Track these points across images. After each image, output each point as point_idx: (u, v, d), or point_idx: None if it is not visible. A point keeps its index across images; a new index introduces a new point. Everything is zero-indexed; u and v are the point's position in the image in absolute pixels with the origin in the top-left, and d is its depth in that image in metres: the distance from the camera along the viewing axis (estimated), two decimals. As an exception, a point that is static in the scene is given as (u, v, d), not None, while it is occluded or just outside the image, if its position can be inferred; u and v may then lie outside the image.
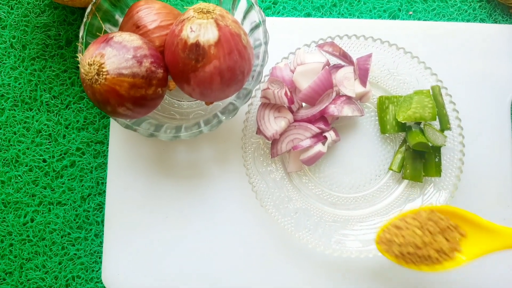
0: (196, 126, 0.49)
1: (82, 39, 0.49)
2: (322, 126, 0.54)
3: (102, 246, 0.58)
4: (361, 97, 0.56)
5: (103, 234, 0.58)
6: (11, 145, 0.61)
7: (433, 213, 0.46)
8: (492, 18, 0.61)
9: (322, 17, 0.61)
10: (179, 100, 0.57)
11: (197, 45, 0.43)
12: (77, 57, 0.43)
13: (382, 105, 0.56)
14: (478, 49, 0.59)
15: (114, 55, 0.43)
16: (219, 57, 0.43)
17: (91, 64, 0.43)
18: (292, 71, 0.54)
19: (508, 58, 0.59)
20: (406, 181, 0.56)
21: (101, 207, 0.60)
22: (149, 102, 0.45)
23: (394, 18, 0.61)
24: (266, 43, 0.48)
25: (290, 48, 0.57)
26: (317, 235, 0.54)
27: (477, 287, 0.56)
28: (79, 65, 0.44)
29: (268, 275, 0.57)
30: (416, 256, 0.46)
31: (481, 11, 0.61)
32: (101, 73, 0.42)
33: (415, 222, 0.46)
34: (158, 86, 0.45)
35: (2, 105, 0.61)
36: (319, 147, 0.54)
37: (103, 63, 0.42)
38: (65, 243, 0.59)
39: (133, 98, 0.44)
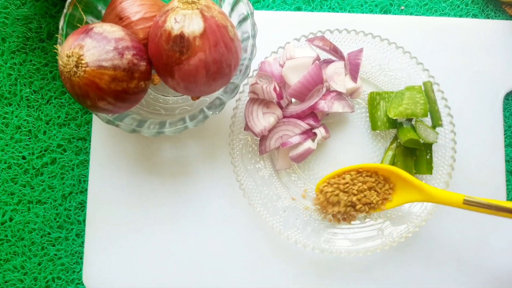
0: (181, 122, 0.47)
1: (62, 31, 0.47)
2: (312, 122, 0.53)
3: (83, 246, 0.56)
4: (352, 93, 0.54)
5: (84, 234, 0.56)
6: (-12, 141, 0.58)
7: (360, 173, 0.52)
8: (484, 14, 0.60)
9: (313, 11, 0.59)
10: (164, 95, 0.55)
11: (181, 36, 0.41)
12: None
13: (373, 101, 0.55)
14: (471, 45, 0.58)
15: (93, 47, 0.41)
16: (205, 49, 0.41)
17: (69, 56, 0.41)
18: (282, 66, 0.53)
19: (501, 54, 0.58)
20: (397, 179, 0.55)
21: (82, 206, 0.58)
22: (131, 96, 0.43)
23: (385, 12, 0.60)
24: (254, 36, 0.47)
25: (279, 42, 0.55)
26: (305, 234, 0.53)
27: (470, 283, 0.55)
28: (57, 57, 0.42)
29: (257, 275, 0.55)
30: (348, 215, 0.52)
31: (474, 7, 0.60)
32: (80, 65, 0.40)
33: (339, 185, 0.52)
34: (140, 79, 0.43)
35: (-21, 99, 0.59)
36: (309, 144, 0.52)
37: (82, 55, 0.40)
38: (45, 243, 0.57)
39: (114, 92, 0.42)
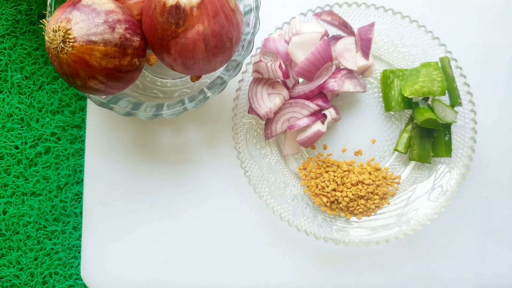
0: (179, 104, 0.44)
1: (50, 7, 0.44)
2: (321, 103, 0.49)
3: (81, 240, 0.53)
4: (364, 71, 0.51)
5: (81, 226, 0.53)
6: (-21, 130, 0.55)
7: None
8: (504, -16, 0.56)
9: (319, -14, 0.55)
10: (162, 78, 0.52)
11: (177, 7, 0.37)
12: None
13: (387, 79, 0.51)
14: (491, 18, 0.54)
15: (82, 20, 0.37)
16: (203, 21, 0.38)
17: (56, 31, 0.37)
18: (287, 42, 0.49)
19: (523, 27, 0.54)
20: (413, 163, 0.52)
21: (79, 197, 0.54)
22: (124, 75, 0.40)
23: (397, -15, 0.56)
24: (257, 8, 0.43)
25: (284, 18, 0.51)
26: (316, 223, 0.49)
27: (493, 275, 0.52)
28: (43, 32, 0.39)
29: (264, 268, 0.52)
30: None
31: (493, -23, 0.56)
32: (68, 40, 0.37)
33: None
34: (134, 56, 0.40)
35: (-32, 86, 0.56)
36: (318, 126, 0.48)
37: (70, 29, 0.37)
38: (40, 237, 0.54)
39: (105, 70, 0.38)
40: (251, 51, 0.44)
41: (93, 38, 0.37)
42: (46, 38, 0.38)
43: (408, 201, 0.50)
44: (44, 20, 0.39)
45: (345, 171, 0.50)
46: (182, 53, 0.39)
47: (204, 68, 0.41)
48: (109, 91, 0.41)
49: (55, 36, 0.37)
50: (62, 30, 0.37)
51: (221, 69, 0.45)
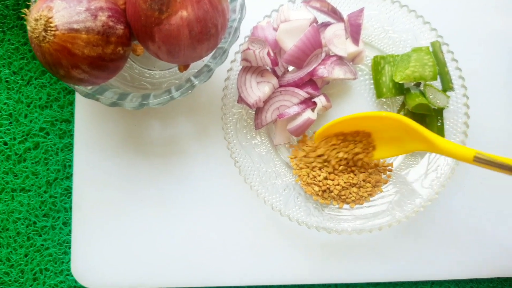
0: (166, 93, 0.43)
1: (34, -2, 0.43)
2: (311, 90, 0.48)
3: (71, 235, 0.52)
4: (354, 58, 0.50)
5: (72, 222, 0.52)
6: (-34, 127, 0.55)
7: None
8: (495, -32, 0.55)
9: (308, -26, 0.55)
10: (150, 69, 0.51)
11: (160, -8, 0.36)
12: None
13: (377, 66, 0.50)
14: (483, 1, 0.53)
15: (63, 8, 0.37)
16: (186, 7, 0.37)
17: (37, 20, 0.36)
18: (276, 30, 0.48)
19: (515, 11, 0.53)
20: (406, 150, 0.51)
21: (69, 192, 0.54)
22: (108, 64, 0.39)
23: (387, -28, 0.55)
24: (242, -6, 0.42)
25: (273, 5, 0.51)
26: (308, 213, 0.49)
27: (487, 258, 0.51)
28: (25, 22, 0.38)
29: (257, 259, 0.51)
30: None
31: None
32: (49, 28, 0.36)
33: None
34: (118, 44, 0.39)
35: (-45, 83, 0.55)
36: (308, 114, 0.48)
37: (51, 17, 0.36)
38: (30, 233, 0.53)
39: (89, 58, 0.38)
40: (237, 38, 0.43)
41: (75, 26, 0.37)
42: (28, 27, 0.37)
43: (400, 188, 0.49)
44: (26, 9, 0.38)
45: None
46: (166, 40, 0.38)
47: (190, 56, 0.40)
48: (93, 80, 0.40)
49: (37, 25, 0.37)
50: (44, 19, 0.36)
51: (208, 57, 0.44)
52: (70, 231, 0.53)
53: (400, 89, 0.50)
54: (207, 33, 0.39)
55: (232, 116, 0.50)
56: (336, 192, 0.48)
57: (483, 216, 0.52)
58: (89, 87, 0.43)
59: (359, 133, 0.48)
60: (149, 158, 0.52)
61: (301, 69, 0.49)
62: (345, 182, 0.48)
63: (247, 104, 0.48)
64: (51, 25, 0.36)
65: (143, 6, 0.37)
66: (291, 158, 0.50)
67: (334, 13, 0.49)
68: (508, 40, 0.53)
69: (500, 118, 0.52)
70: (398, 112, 0.51)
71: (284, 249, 0.51)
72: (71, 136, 0.54)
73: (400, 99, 0.51)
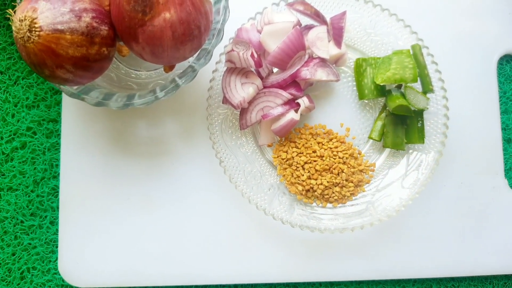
0: (151, 93, 0.44)
1: (20, -1, 0.43)
2: (294, 91, 0.49)
3: (58, 234, 0.53)
4: (337, 60, 0.51)
5: (59, 221, 0.53)
6: (-47, 126, 0.55)
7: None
8: (475, -27, 0.57)
9: (293, -23, 0.56)
10: (136, 70, 0.52)
11: (143, -6, 0.37)
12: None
13: (359, 68, 0.51)
14: (463, 5, 0.55)
15: (48, 9, 0.37)
16: (169, 8, 0.38)
17: (22, 20, 0.37)
18: (260, 32, 0.49)
19: (494, 16, 0.55)
20: (388, 150, 0.52)
21: (56, 191, 0.54)
22: (93, 64, 0.40)
23: (370, -24, 0.56)
24: (226, -3, 0.43)
25: (257, 8, 0.51)
26: (292, 212, 0.50)
27: (469, 255, 0.52)
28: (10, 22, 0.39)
29: (241, 257, 0.52)
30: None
31: (464, -34, 0.57)
32: (34, 29, 0.37)
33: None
34: (102, 45, 0.40)
35: None
36: (292, 115, 0.49)
37: (36, 18, 0.37)
38: (18, 232, 0.54)
39: (73, 59, 0.38)
40: (221, 39, 0.44)
41: (59, 26, 0.37)
42: (13, 28, 0.38)
43: (378, 188, 0.50)
44: (10, 10, 0.39)
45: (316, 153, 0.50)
46: (150, 41, 0.39)
47: (173, 56, 0.41)
48: (78, 80, 0.41)
49: (22, 25, 0.37)
50: (28, 20, 0.37)
51: (192, 58, 0.45)
52: (57, 230, 0.54)
53: (382, 91, 0.51)
54: (190, 35, 0.40)
55: (218, 116, 0.51)
56: (319, 191, 0.49)
57: (463, 215, 0.53)
58: (75, 87, 0.44)
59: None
60: (136, 158, 0.53)
61: (284, 71, 0.50)
62: (328, 182, 0.49)
63: (232, 105, 0.49)
64: (36, 25, 0.37)
65: (126, 8, 0.38)
66: (274, 158, 0.51)
67: (317, 16, 0.50)
68: (486, 44, 0.54)
69: (478, 119, 0.53)
70: (380, 113, 0.52)
71: (268, 248, 0.52)
72: (58, 135, 0.55)
73: (381, 100, 0.53)
